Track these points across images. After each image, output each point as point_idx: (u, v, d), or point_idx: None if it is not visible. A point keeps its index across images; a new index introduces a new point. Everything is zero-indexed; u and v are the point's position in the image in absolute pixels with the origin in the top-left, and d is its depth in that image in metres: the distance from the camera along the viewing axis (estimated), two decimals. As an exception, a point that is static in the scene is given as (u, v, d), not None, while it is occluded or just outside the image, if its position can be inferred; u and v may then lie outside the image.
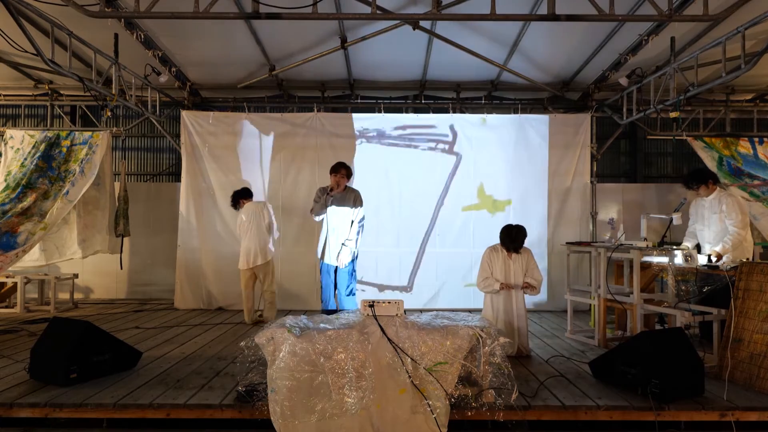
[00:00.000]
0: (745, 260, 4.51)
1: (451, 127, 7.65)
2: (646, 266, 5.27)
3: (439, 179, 7.64)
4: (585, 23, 5.69)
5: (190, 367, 4.40)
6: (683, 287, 4.69)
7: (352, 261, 5.47)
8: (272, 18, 4.84)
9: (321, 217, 5.51)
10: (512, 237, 4.84)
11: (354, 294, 5.49)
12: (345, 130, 7.65)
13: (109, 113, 6.23)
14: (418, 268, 7.60)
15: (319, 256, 5.55)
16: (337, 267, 5.41)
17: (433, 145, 7.65)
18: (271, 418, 3.21)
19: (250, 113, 7.71)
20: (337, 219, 5.44)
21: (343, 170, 5.43)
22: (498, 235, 4.98)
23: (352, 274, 5.48)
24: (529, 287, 4.82)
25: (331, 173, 5.48)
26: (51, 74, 7.45)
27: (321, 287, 5.57)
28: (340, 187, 5.41)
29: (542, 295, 7.47)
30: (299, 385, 3.19)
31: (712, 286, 4.50)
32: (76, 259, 7.46)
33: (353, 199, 5.47)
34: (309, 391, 3.19)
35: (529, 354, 4.84)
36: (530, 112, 7.84)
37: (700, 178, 5.19)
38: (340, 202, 5.42)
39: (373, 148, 7.67)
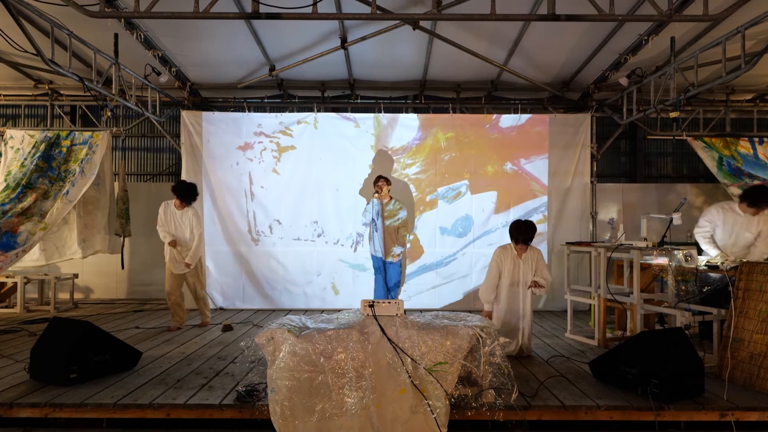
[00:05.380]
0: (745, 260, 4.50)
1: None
2: (646, 266, 5.27)
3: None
4: (585, 23, 5.69)
5: (190, 367, 4.40)
6: (683, 287, 4.69)
7: (400, 260, 6.39)
8: (272, 18, 4.84)
9: (366, 221, 6.54)
10: (521, 230, 4.86)
11: (399, 288, 6.51)
12: (348, 131, 7.67)
13: (109, 113, 6.22)
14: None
15: (382, 244, 6.44)
16: (386, 261, 6.30)
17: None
18: (271, 418, 3.21)
19: (250, 113, 7.72)
20: (396, 203, 6.39)
21: (381, 181, 6.32)
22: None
23: (399, 272, 6.46)
24: (537, 286, 4.79)
25: (374, 184, 6.41)
26: (51, 74, 7.44)
27: (387, 274, 6.41)
28: (382, 193, 6.26)
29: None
30: (299, 385, 3.19)
31: (712, 286, 4.50)
32: (76, 259, 7.46)
33: (399, 206, 6.40)
34: (309, 391, 3.18)
35: (530, 354, 4.85)
36: (530, 112, 7.84)
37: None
38: (387, 208, 6.30)
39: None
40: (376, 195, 6.29)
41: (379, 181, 6.34)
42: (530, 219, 7.41)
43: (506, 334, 4.67)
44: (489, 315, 4.87)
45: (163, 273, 6.84)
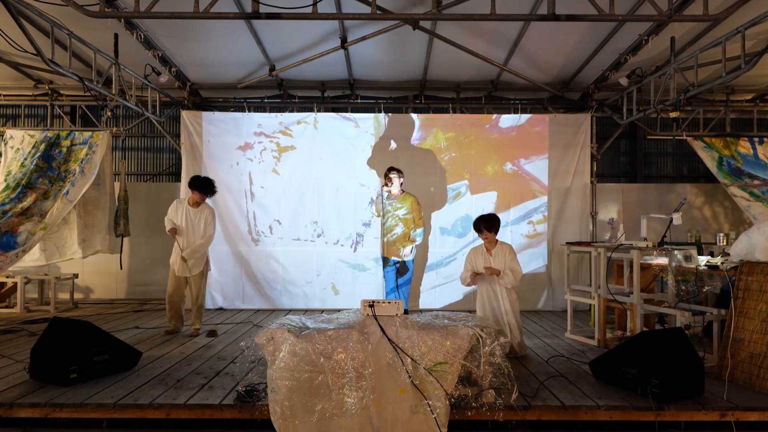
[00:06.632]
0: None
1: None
2: (646, 266, 5.27)
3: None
4: (585, 23, 5.69)
5: (190, 367, 4.40)
6: (683, 287, 4.69)
7: (411, 258, 5.93)
8: (272, 18, 4.84)
9: (380, 216, 6.03)
10: (482, 218, 4.92)
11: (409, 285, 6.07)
12: (348, 131, 7.67)
13: (109, 113, 6.22)
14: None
15: (381, 252, 6.03)
16: (399, 262, 5.89)
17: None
18: (271, 418, 3.21)
19: (250, 113, 7.72)
20: (394, 219, 5.91)
21: (391, 173, 5.88)
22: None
23: (411, 270, 6.00)
24: (491, 269, 4.74)
25: (384, 177, 5.98)
26: (51, 74, 7.44)
27: (384, 280, 6.07)
28: (393, 186, 5.84)
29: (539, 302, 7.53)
30: (299, 385, 3.18)
31: (712, 286, 4.50)
32: (76, 259, 7.46)
33: (411, 201, 5.90)
34: (309, 391, 3.18)
35: (525, 353, 4.83)
36: (530, 112, 7.84)
37: None
38: (398, 203, 5.88)
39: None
40: (386, 188, 5.86)
41: (390, 173, 5.88)
42: (530, 219, 7.61)
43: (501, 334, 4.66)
44: (474, 274, 4.83)
45: (164, 272, 6.61)
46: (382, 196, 5.94)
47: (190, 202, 5.69)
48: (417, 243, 5.96)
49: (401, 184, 5.95)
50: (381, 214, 5.99)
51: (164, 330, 5.79)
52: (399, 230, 5.88)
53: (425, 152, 7.62)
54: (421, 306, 7.42)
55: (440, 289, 7.58)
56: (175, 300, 5.72)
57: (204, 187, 5.66)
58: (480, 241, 5.04)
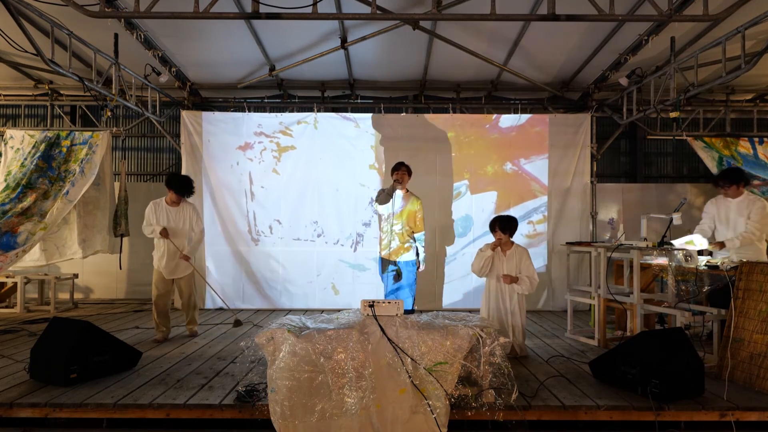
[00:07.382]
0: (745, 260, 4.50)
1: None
2: (646, 266, 5.27)
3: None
4: (585, 23, 5.69)
5: (190, 367, 4.40)
6: (683, 287, 4.69)
7: (415, 261, 5.61)
8: (272, 18, 4.84)
9: (384, 211, 5.55)
10: (499, 218, 4.94)
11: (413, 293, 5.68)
12: (348, 131, 7.67)
13: (109, 113, 6.22)
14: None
15: (380, 253, 5.68)
16: (399, 264, 5.57)
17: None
18: (271, 418, 3.21)
19: (250, 113, 7.72)
20: (391, 234, 5.58)
21: (402, 168, 5.53)
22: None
23: (414, 275, 5.64)
24: (511, 280, 4.75)
25: (392, 172, 5.56)
26: (51, 74, 7.44)
27: (384, 284, 5.78)
28: (404, 183, 5.50)
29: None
30: (299, 385, 3.19)
31: (712, 286, 4.50)
32: (76, 259, 7.45)
33: (410, 209, 5.57)
34: (309, 391, 3.18)
35: (525, 354, 4.83)
36: (530, 112, 7.84)
37: (734, 179, 5.15)
38: (395, 219, 5.55)
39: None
40: (398, 184, 5.45)
41: (401, 169, 5.52)
42: (530, 219, 7.60)
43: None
44: (495, 245, 4.88)
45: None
46: (392, 191, 5.50)
47: (167, 201, 5.49)
48: (417, 246, 5.65)
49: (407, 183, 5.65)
50: (381, 213, 5.77)
51: (152, 339, 5.46)
52: (395, 244, 5.60)
53: (429, 141, 7.59)
54: (431, 306, 7.38)
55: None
56: (163, 303, 5.50)
57: (180, 186, 5.45)
58: (489, 239, 5.01)
